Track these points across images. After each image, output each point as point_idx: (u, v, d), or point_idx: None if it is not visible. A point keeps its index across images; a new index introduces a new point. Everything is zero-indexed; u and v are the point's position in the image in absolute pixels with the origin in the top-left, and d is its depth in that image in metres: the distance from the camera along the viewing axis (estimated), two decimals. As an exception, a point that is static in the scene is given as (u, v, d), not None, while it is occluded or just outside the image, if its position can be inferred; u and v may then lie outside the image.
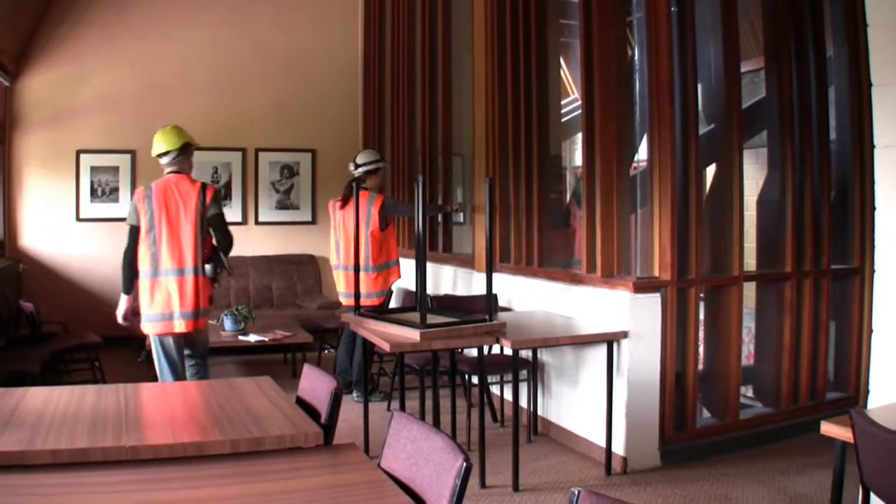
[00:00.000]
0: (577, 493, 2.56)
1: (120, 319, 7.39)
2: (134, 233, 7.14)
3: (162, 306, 7.09)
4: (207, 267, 7.16)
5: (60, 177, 12.62)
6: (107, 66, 12.74)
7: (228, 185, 13.19)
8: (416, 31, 11.53)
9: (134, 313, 7.36)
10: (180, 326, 7.09)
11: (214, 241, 7.31)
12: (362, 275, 8.45)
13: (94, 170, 12.67)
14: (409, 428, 3.41)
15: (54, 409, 4.17)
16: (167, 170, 7.27)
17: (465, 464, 2.92)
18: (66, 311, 11.58)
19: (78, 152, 12.64)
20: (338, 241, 9.03)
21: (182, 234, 7.08)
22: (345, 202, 8.94)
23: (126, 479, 3.36)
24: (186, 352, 7.37)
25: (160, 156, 7.27)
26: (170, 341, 7.19)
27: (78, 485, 3.28)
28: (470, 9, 9.42)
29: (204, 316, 7.24)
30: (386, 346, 6.15)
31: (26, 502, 3.09)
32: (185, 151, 7.27)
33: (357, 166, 9.08)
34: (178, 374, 7.23)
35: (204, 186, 7.24)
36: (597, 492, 2.54)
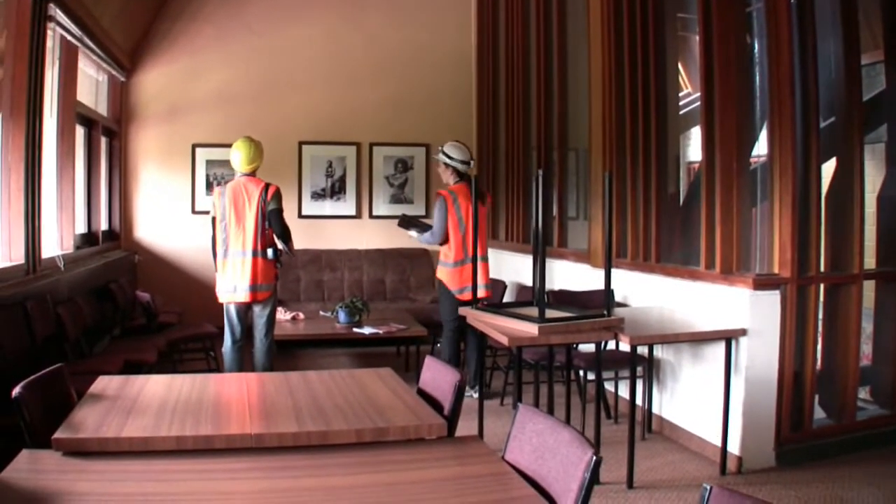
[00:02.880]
0: (708, 489, 2.52)
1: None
2: (212, 222, 8.73)
3: (230, 280, 8.54)
4: (268, 251, 8.53)
5: (176, 170, 12.85)
6: (221, 62, 12.94)
7: (343, 179, 13.26)
8: (530, 23, 11.50)
9: None
10: (243, 296, 8.50)
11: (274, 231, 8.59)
12: (481, 266, 8.58)
13: (209, 163, 12.82)
14: (534, 421, 3.39)
15: (177, 396, 4.27)
16: (243, 174, 8.68)
17: (594, 457, 2.89)
18: (180, 302, 11.74)
19: (193, 146, 12.83)
20: (465, 233, 9.08)
21: (246, 224, 8.47)
22: (482, 198, 9.26)
23: (250, 466, 3.43)
24: (256, 318, 8.70)
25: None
26: (232, 308, 8.63)
27: (202, 471, 3.35)
28: (586, 1, 9.36)
29: (263, 290, 8.56)
30: (504, 340, 6.14)
31: (151, 488, 3.16)
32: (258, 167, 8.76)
33: (465, 163, 9.33)
34: (234, 336, 8.63)
35: (267, 186, 8.56)
36: (729, 488, 2.51)
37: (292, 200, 12.95)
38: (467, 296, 8.70)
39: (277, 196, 8.50)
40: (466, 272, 8.91)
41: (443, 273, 9.26)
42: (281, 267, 8.83)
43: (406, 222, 9.77)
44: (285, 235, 8.49)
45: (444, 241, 9.20)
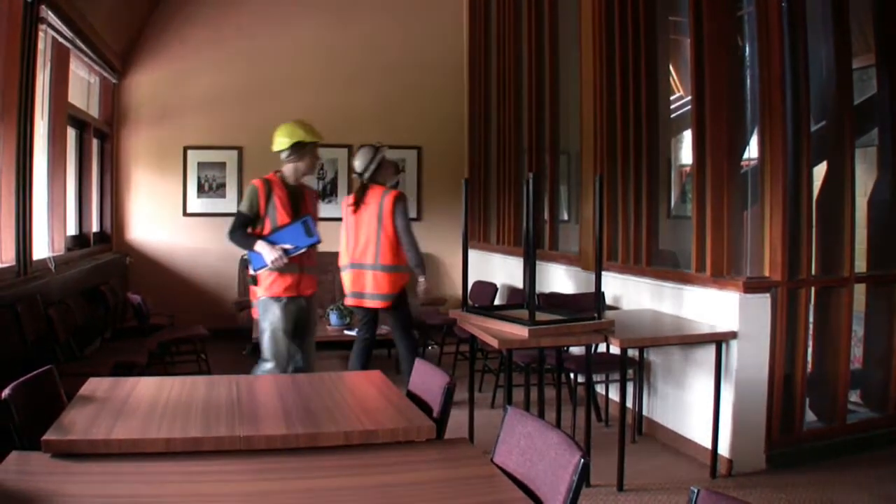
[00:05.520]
0: (696, 491, 2.52)
1: None
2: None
3: None
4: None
5: (168, 172, 12.89)
6: (213, 64, 12.99)
7: (335, 182, 13.34)
8: (522, 26, 11.50)
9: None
10: None
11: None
12: (372, 274, 8.44)
13: (201, 165, 12.86)
14: (523, 423, 3.40)
15: (166, 398, 4.26)
16: None
17: (582, 460, 2.89)
18: (172, 304, 11.75)
19: (185, 148, 12.88)
20: (348, 239, 8.67)
21: None
22: (357, 206, 8.56)
23: (239, 468, 3.42)
24: None
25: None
26: None
27: (191, 473, 3.35)
28: (577, 4, 9.37)
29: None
30: (495, 343, 6.16)
31: (140, 490, 3.16)
32: (294, 150, 7.34)
33: (360, 174, 8.63)
34: None
35: None
36: (718, 491, 2.51)
37: (284, 202, 12.99)
38: (351, 302, 8.64)
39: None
40: (350, 279, 8.62)
41: None
42: (253, 283, 7.44)
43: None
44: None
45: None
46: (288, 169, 7.37)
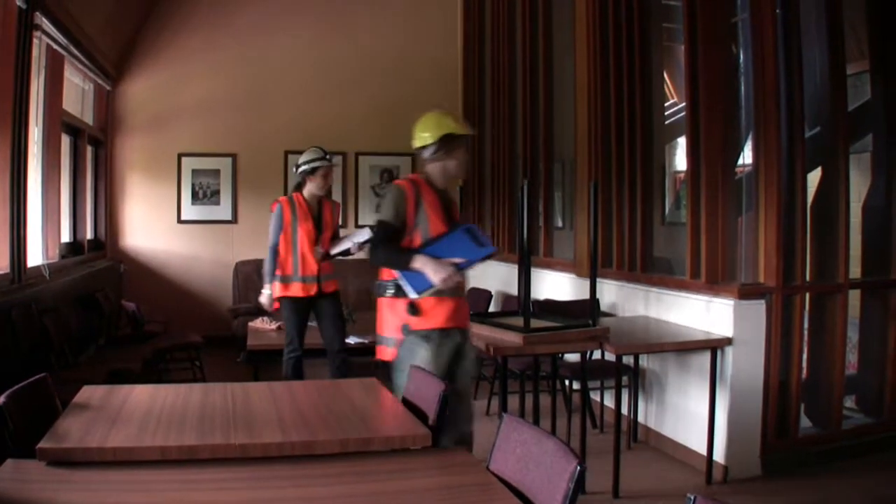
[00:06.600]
0: (692, 499, 2.51)
1: None
2: None
3: None
4: None
5: (162, 179, 12.82)
6: (208, 71, 12.94)
7: (329, 189, 13.17)
8: (516, 33, 11.49)
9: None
10: None
11: None
12: None
13: (195, 173, 12.82)
14: (519, 431, 3.39)
15: (161, 406, 4.24)
16: None
17: (578, 467, 2.88)
18: (166, 312, 11.74)
19: (179, 155, 12.82)
20: None
21: None
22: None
23: (235, 476, 3.41)
24: None
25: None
26: None
27: (187, 481, 3.34)
28: (571, 11, 9.37)
29: None
30: (489, 350, 6.14)
31: (135, 498, 3.16)
32: (442, 144, 5.83)
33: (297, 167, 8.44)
34: None
35: None
36: (714, 497, 2.50)
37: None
38: None
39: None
40: None
41: None
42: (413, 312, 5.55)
43: None
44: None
45: None
46: (434, 168, 5.86)
